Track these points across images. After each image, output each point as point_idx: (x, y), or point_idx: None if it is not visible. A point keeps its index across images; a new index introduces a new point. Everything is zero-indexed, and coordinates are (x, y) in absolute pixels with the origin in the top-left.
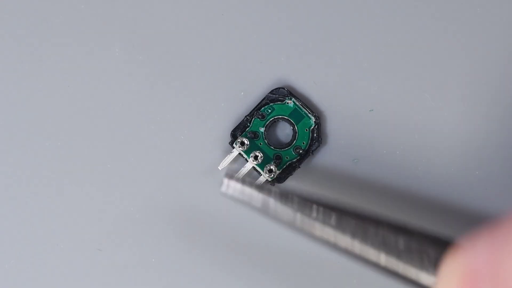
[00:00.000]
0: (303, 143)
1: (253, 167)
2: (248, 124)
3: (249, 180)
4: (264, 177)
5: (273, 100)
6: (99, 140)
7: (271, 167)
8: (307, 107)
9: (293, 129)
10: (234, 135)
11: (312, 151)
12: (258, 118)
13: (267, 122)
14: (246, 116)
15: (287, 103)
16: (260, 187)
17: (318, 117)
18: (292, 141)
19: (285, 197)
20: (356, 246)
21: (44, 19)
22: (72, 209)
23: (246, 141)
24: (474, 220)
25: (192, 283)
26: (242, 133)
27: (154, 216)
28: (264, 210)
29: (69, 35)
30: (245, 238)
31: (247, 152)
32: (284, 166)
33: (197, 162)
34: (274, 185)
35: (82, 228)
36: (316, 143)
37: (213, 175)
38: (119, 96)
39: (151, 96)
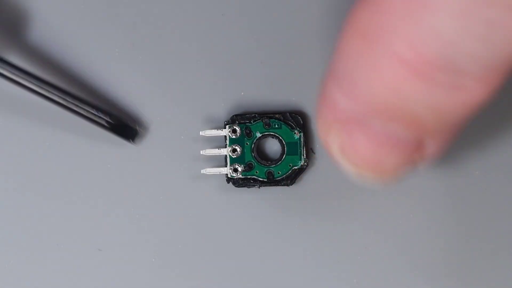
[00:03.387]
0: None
1: (226, 155)
2: (252, 122)
3: None
4: (225, 170)
5: (285, 121)
6: (99, 141)
7: (239, 168)
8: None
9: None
10: (234, 120)
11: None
12: (263, 122)
13: (266, 133)
14: (256, 113)
15: (295, 133)
16: None
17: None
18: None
19: None
20: None
21: (44, 19)
22: (72, 209)
23: (238, 130)
24: (474, 223)
25: (192, 283)
26: (241, 123)
27: (154, 216)
28: None
29: (69, 35)
30: (245, 238)
31: (233, 140)
32: (249, 177)
33: (197, 162)
34: (229, 183)
35: (82, 228)
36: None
37: (213, 175)
38: (119, 96)
39: (150, 96)
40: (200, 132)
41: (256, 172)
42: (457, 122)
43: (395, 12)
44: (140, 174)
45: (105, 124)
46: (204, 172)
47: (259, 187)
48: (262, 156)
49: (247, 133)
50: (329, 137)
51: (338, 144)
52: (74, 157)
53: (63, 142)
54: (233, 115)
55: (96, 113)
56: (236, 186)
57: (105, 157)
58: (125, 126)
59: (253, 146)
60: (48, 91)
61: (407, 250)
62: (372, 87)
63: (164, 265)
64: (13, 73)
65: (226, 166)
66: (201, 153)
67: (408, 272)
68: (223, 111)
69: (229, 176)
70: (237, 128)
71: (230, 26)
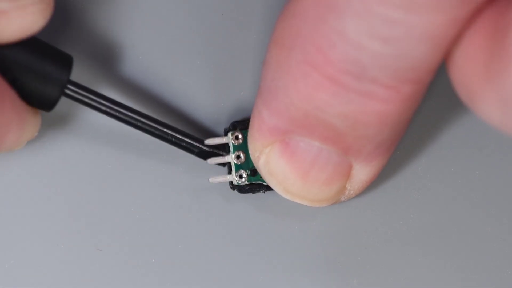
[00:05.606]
0: None
1: (230, 162)
2: None
3: None
4: (231, 177)
5: None
6: (99, 141)
7: (244, 174)
8: None
9: None
10: (234, 126)
11: None
12: None
13: None
14: None
15: None
16: None
17: None
18: None
19: None
20: None
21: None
22: (73, 209)
23: (240, 136)
24: (474, 223)
25: (192, 283)
26: (242, 129)
27: (154, 216)
28: None
29: (69, 36)
30: (246, 238)
31: (236, 147)
32: (253, 183)
33: (197, 162)
34: (234, 190)
35: (82, 228)
36: None
37: (213, 176)
38: (118, 96)
39: (150, 96)
40: (205, 141)
41: (261, 177)
42: (378, 140)
43: (307, 17)
44: (140, 174)
45: (196, 151)
46: (212, 181)
47: (264, 192)
48: None
49: None
50: (259, 158)
51: (267, 166)
52: (75, 158)
53: (64, 141)
54: (233, 122)
55: (188, 141)
56: (241, 193)
57: (105, 157)
58: (214, 154)
59: None
60: (140, 121)
61: (407, 250)
62: (290, 97)
63: (164, 266)
64: (106, 106)
65: (231, 173)
66: (207, 162)
67: (407, 272)
68: (223, 111)
69: (234, 183)
70: (239, 134)
71: (230, 26)
